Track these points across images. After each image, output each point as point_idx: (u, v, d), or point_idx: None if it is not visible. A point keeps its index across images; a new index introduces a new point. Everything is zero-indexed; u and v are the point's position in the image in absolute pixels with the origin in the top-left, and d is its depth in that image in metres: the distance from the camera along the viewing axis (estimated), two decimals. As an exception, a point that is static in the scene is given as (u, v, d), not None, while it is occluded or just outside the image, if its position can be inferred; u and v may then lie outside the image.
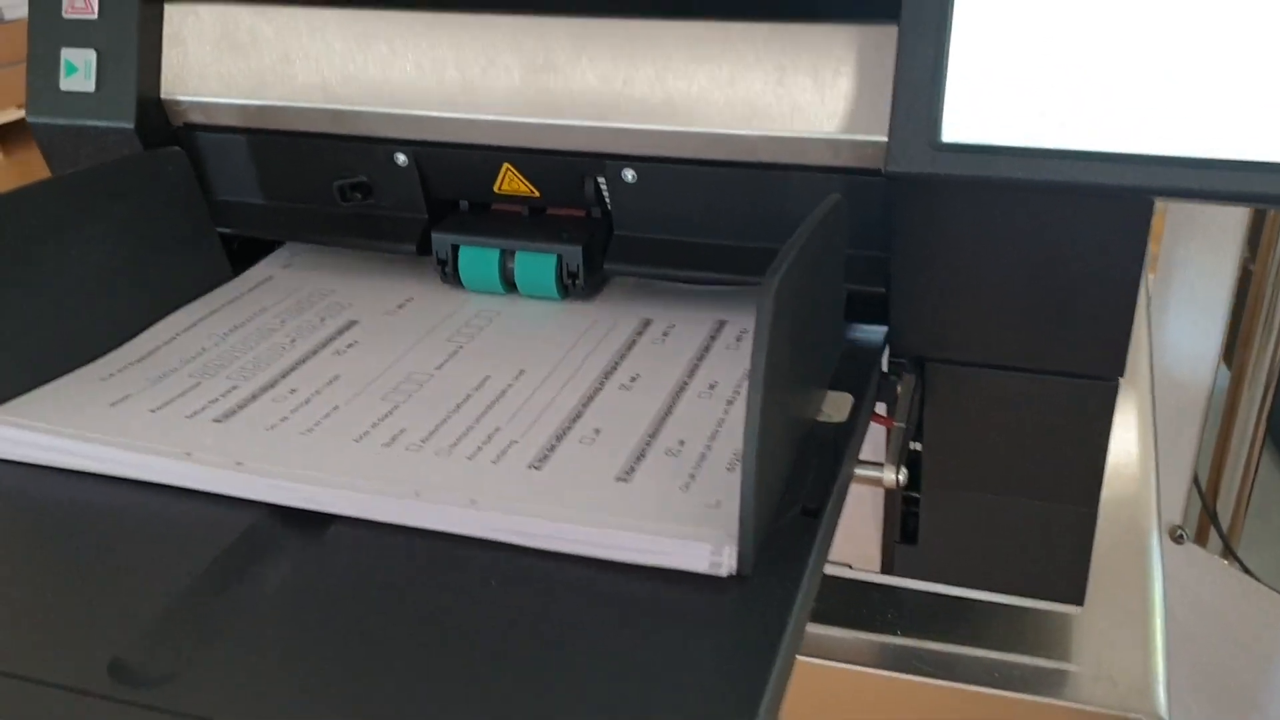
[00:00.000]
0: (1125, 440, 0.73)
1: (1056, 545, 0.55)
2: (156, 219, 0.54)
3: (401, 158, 0.54)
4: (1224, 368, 1.16)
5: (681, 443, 0.45)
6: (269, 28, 0.54)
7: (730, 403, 0.48)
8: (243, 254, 0.61)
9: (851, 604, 0.61)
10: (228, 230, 0.58)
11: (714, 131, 0.50)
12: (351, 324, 0.55)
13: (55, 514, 0.43)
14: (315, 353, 0.52)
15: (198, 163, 0.57)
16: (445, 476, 0.43)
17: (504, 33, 0.51)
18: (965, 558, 0.57)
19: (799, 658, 0.51)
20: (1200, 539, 1.25)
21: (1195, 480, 1.21)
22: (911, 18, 0.43)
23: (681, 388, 0.50)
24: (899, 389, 0.50)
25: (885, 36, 0.47)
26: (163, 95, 0.55)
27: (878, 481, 0.46)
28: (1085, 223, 0.45)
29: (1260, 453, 1.23)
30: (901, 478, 0.46)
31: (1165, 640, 0.59)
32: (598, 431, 0.46)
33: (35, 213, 0.49)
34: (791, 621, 0.36)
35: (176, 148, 0.56)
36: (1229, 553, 1.25)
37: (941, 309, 0.50)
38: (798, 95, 0.48)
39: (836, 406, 0.47)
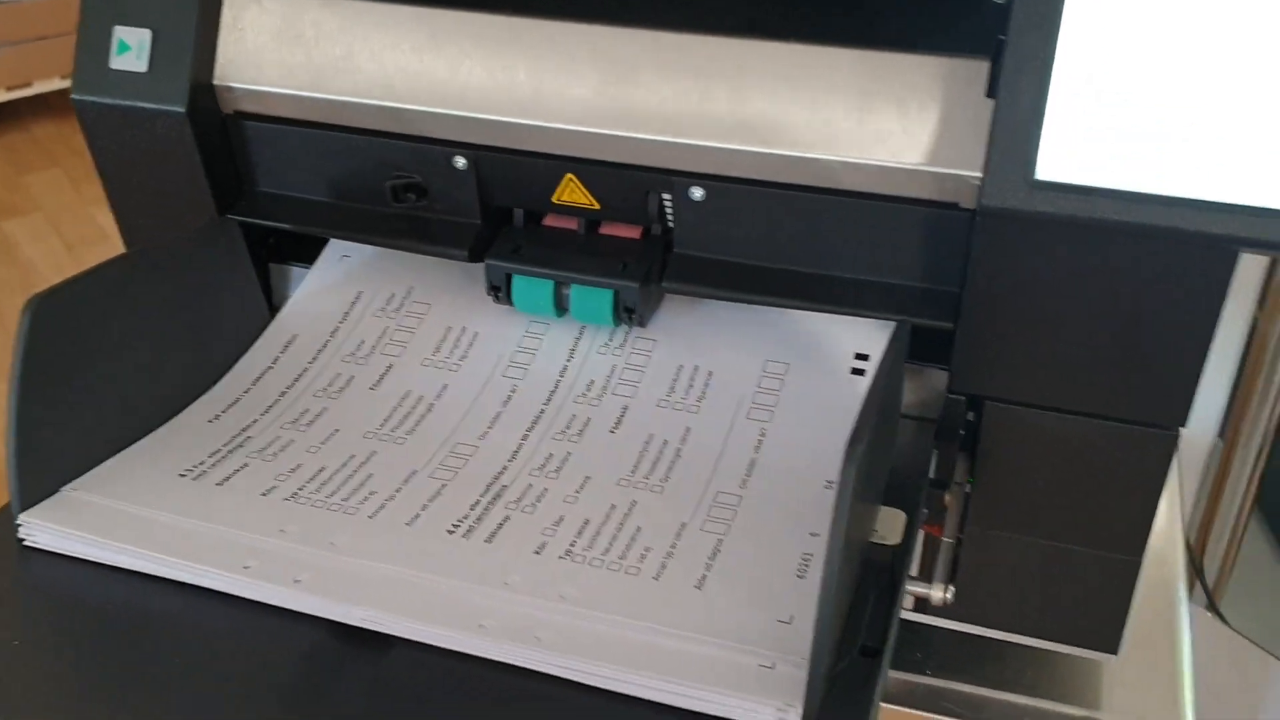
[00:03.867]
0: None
1: (1097, 592, 0.55)
2: (210, 287, 0.55)
3: (461, 161, 0.53)
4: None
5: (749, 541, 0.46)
6: (334, 21, 0.53)
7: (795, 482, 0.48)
8: (279, 250, 0.60)
9: (881, 641, 0.61)
10: (270, 223, 0.57)
11: (791, 154, 0.49)
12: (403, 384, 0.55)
13: (119, 619, 0.43)
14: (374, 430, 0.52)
15: (244, 152, 0.56)
16: (517, 588, 0.43)
17: (581, 40, 0.50)
18: (1004, 600, 0.57)
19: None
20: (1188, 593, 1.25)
21: (1186, 537, 1.22)
22: (1014, 56, 0.43)
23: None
24: (946, 499, 0.50)
25: (973, 71, 0.46)
26: (216, 81, 0.54)
27: (924, 598, 0.46)
28: (1167, 269, 0.45)
29: (1249, 515, 1.24)
30: (949, 596, 0.46)
31: (1195, 694, 0.59)
32: (639, 531, 0.47)
33: (102, 292, 0.49)
34: None
35: (232, 219, 0.56)
36: (1213, 608, 1.26)
37: (1008, 347, 0.49)
38: (881, 123, 0.47)
39: (890, 526, 0.47)
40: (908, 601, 0.50)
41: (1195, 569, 1.25)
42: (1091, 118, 0.42)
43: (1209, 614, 1.21)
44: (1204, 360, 0.47)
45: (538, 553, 0.45)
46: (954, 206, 0.47)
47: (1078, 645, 0.57)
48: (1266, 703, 1.17)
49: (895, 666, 0.60)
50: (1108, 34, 0.42)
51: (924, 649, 0.61)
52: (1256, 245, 0.42)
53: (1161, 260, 0.44)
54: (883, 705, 0.58)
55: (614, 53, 0.50)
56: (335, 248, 0.59)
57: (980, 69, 0.46)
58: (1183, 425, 0.49)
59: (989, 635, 0.60)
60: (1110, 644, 0.56)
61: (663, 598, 0.43)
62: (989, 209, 0.43)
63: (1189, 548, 1.24)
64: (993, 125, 0.43)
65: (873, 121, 0.48)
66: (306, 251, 0.60)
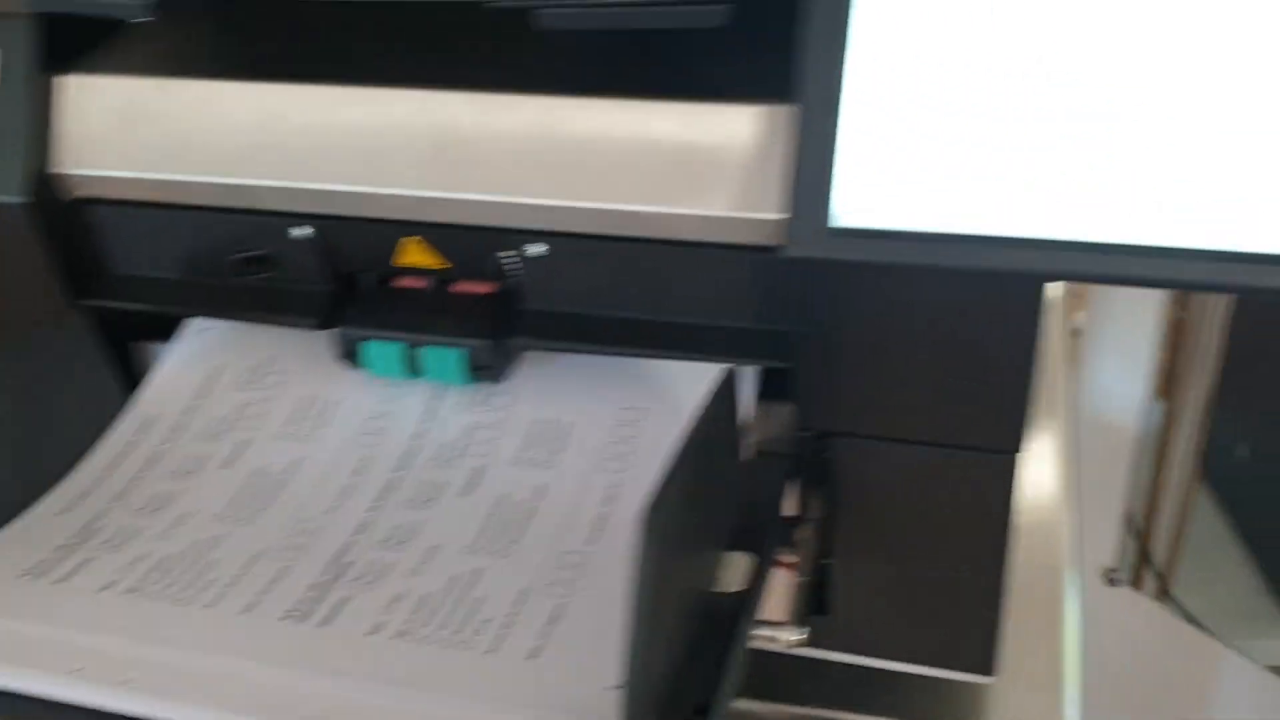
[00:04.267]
0: (1045, 495, 0.73)
1: (965, 616, 0.55)
2: (60, 376, 0.55)
3: (303, 231, 0.54)
4: (1156, 409, 1.18)
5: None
6: (168, 102, 0.53)
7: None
8: (141, 329, 0.60)
9: (769, 676, 0.61)
10: (127, 306, 0.57)
11: (619, 207, 0.49)
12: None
13: None
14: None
15: (93, 237, 0.56)
16: (345, 673, 0.43)
17: (410, 106, 0.51)
18: (877, 628, 0.57)
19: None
20: (1137, 581, 1.26)
21: (1131, 522, 1.22)
22: (805, 102, 0.43)
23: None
24: (800, 535, 0.50)
25: (789, 116, 0.47)
26: (55, 169, 0.54)
27: (773, 641, 0.46)
28: (976, 304, 0.45)
29: (1193, 494, 1.24)
30: (800, 638, 0.46)
31: (1082, 706, 0.59)
32: (479, 601, 0.47)
33: None
34: None
35: (81, 304, 0.56)
36: (1165, 594, 1.26)
37: (845, 384, 0.49)
38: (701, 172, 0.48)
39: (734, 572, 0.47)
40: (777, 645, 0.50)
41: (1144, 556, 1.26)
42: (883, 161, 0.42)
43: (1158, 604, 1.22)
44: (1029, 386, 0.47)
45: (372, 634, 0.45)
46: (777, 249, 0.48)
47: (954, 669, 0.57)
48: (1215, 692, 1.17)
49: (782, 700, 0.60)
50: (894, 73, 0.42)
51: (814, 681, 0.61)
52: (1057, 277, 0.43)
53: (968, 295, 0.45)
54: (770, 741, 0.59)
55: (443, 116, 0.51)
56: (195, 323, 0.60)
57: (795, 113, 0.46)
58: (1020, 449, 0.49)
59: (878, 666, 0.60)
60: (985, 666, 0.57)
61: (494, 672, 0.43)
62: (792, 257, 0.43)
63: (1137, 537, 1.24)
64: (795, 174, 0.43)
65: (693, 171, 0.48)
66: (167, 328, 0.60)
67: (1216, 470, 1.40)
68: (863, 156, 0.42)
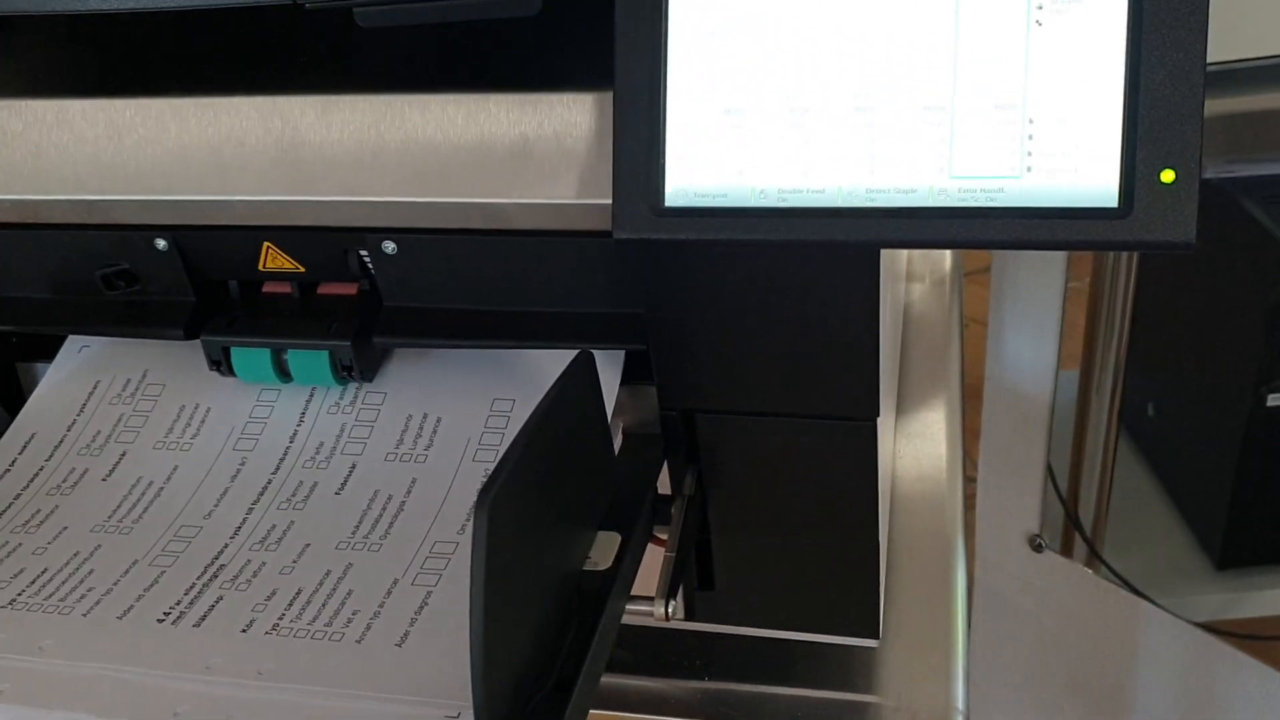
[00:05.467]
0: (934, 464, 0.74)
1: (845, 581, 0.56)
2: None
3: (161, 243, 0.54)
4: (1069, 376, 1.20)
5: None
6: (18, 122, 0.53)
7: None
8: (23, 349, 0.60)
9: (661, 652, 0.62)
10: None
11: (463, 200, 0.50)
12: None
13: None
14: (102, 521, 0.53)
15: (-40, 260, 0.56)
16: (218, 670, 0.44)
17: (252, 112, 0.51)
18: (761, 599, 0.58)
19: (603, 713, 0.51)
20: (1066, 547, 1.28)
21: (1055, 487, 1.24)
22: (625, 89, 0.44)
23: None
24: (673, 511, 0.51)
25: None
26: (-91, 196, 0.54)
27: (649, 616, 0.47)
28: (814, 273, 0.46)
29: (1114, 455, 1.26)
30: (671, 611, 0.47)
31: (966, 666, 0.60)
32: (349, 594, 0.47)
33: None
34: None
35: None
36: (1095, 557, 1.28)
37: (699, 362, 0.50)
38: (542, 163, 0.49)
39: (603, 551, 0.48)
40: (649, 619, 0.51)
41: (1072, 521, 1.28)
42: (703, 141, 0.43)
43: (1084, 567, 1.24)
44: (876, 353, 0.48)
45: (245, 630, 0.46)
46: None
47: (839, 634, 0.58)
48: (1143, 648, 1.19)
49: (674, 675, 0.61)
50: (717, 49, 0.43)
51: (705, 655, 0.62)
52: (885, 244, 0.44)
53: (805, 266, 0.46)
54: (663, 718, 0.60)
55: (285, 120, 0.51)
56: (73, 341, 0.60)
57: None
58: (876, 415, 0.50)
59: (769, 636, 0.61)
60: (870, 629, 0.58)
61: (363, 660, 0.44)
62: (622, 240, 0.44)
63: (1062, 502, 1.26)
64: (615, 158, 0.44)
65: (533, 161, 0.49)
66: (50, 348, 0.61)
67: (1136, 431, 1.43)
68: (682, 137, 0.43)
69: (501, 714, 0.39)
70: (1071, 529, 1.28)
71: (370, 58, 0.52)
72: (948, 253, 0.86)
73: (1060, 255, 1.05)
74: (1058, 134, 0.42)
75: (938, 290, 0.84)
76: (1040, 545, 1.20)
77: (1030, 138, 0.42)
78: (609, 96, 0.47)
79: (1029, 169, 0.42)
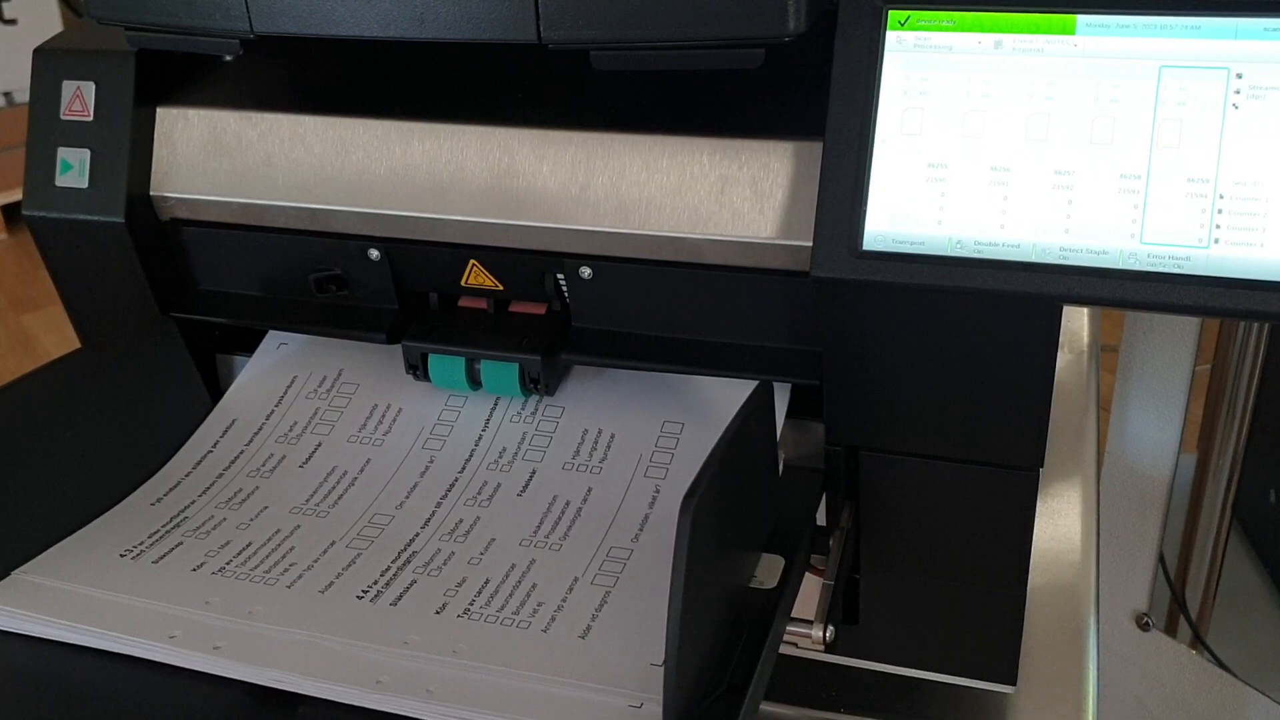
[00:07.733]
0: (1069, 528, 0.75)
1: (988, 627, 0.58)
2: (152, 380, 0.60)
3: (374, 253, 0.58)
4: (1189, 459, 1.19)
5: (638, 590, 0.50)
6: (253, 132, 0.58)
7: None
8: (224, 341, 0.65)
9: (798, 681, 0.64)
10: (211, 319, 0.62)
11: (661, 234, 0.53)
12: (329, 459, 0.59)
13: (62, 688, 0.48)
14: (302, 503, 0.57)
15: (184, 254, 0.61)
16: (415, 646, 0.48)
17: (471, 140, 0.56)
18: (904, 638, 0.60)
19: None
20: (1170, 628, 1.27)
21: (1164, 569, 1.23)
22: (835, 136, 0.47)
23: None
24: (831, 542, 0.53)
25: (819, 151, 0.51)
26: (152, 192, 0.59)
27: (806, 638, 0.50)
28: (997, 324, 0.49)
29: (1226, 540, 1.25)
30: (829, 635, 0.50)
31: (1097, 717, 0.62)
32: (534, 587, 0.51)
33: (46, 391, 0.55)
34: None
35: (171, 317, 0.61)
36: (1198, 640, 1.27)
37: (871, 401, 0.53)
38: (738, 203, 0.52)
39: (769, 571, 0.50)
40: (806, 640, 0.53)
41: (1178, 603, 1.27)
42: (913, 189, 0.46)
43: (1191, 650, 1.23)
44: (1047, 405, 0.51)
45: (438, 613, 0.49)
46: (806, 274, 0.52)
47: (976, 678, 0.60)
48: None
49: (810, 705, 0.63)
50: (925, 108, 0.46)
51: (840, 687, 0.64)
52: (1073, 301, 0.46)
53: (989, 316, 0.48)
54: (798, 743, 0.62)
55: (502, 149, 0.55)
56: (273, 337, 0.64)
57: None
58: (1040, 466, 0.52)
59: (901, 673, 0.63)
60: (1007, 676, 0.59)
61: (549, 648, 0.47)
62: (820, 279, 0.47)
63: (1169, 583, 1.26)
64: (819, 201, 0.47)
65: (730, 202, 0.52)
66: (249, 341, 0.65)
67: (1249, 518, 1.41)
68: (885, 186, 0.46)
69: (686, 706, 0.42)
70: (1177, 611, 1.27)
71: (586, 96, 0.56)
72: (1086, 324, 0.87)
73: (1190, 336, 1.05)
74: (1246, 210, 0.44)
75: (1076, 361, 0.86)
76: (1147, 624, 1.19)
77: (1220, 211, 0.44)
78: (806, 145, 0.51)
79: (1216, 240, 0.45)
